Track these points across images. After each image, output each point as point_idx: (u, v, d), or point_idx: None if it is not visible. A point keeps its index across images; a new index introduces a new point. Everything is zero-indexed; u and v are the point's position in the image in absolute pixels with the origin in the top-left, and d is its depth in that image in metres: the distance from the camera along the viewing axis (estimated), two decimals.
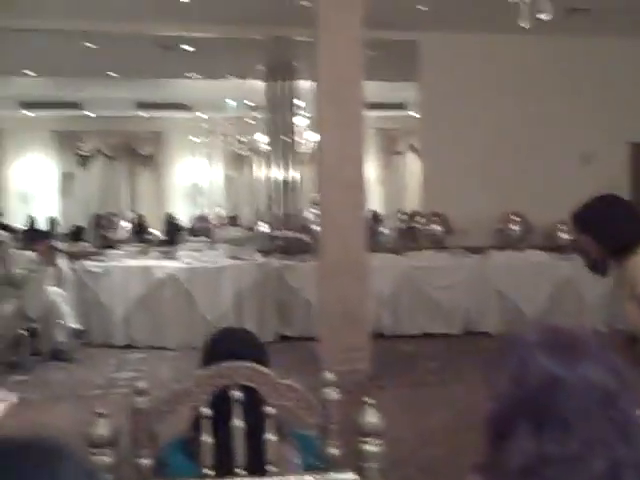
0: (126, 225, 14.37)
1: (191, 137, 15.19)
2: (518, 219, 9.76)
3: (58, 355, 8.06)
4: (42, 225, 13.75)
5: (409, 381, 7.12)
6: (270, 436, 2.10)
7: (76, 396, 6.85)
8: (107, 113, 14.85)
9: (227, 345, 2.36)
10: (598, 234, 2.96)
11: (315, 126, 10.10)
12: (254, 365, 2.14)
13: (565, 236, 9.51)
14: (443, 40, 9.31)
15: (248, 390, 2.11)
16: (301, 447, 2.22)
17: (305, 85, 10.10)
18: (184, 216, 15.00)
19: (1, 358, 7.45)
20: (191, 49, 9.75)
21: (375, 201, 13.86)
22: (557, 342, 1.10)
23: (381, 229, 11.11)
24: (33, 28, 8.58)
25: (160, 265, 8.90)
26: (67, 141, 16.07)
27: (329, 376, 2.20)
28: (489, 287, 9.05)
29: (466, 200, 9.40)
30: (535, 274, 9.04)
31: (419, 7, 8.21)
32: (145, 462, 2.11)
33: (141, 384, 2.15)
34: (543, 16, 2.84)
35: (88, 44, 9.42)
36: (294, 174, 10.84)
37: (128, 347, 8.63)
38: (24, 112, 14.69)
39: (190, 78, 11.70)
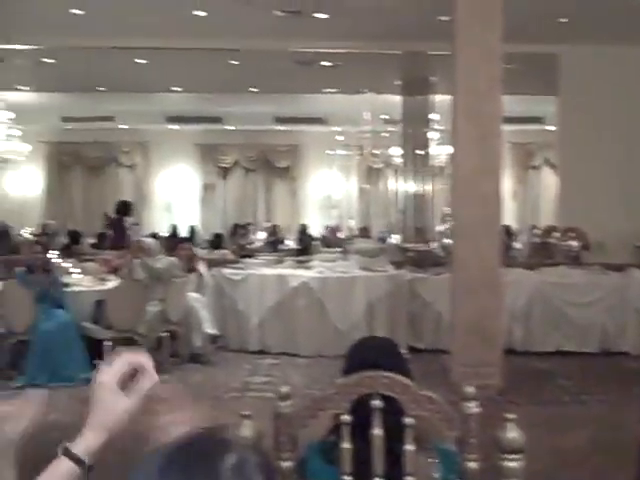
0: (261, 234, 14.80)
1: (326, 150, 15.47)
2: None
3: (195, 358, 8.37)
4: (183, 233, 14.37)
5: (542, 399, 6.95)
6: (409, 447, 2.13)
7: (213, 397, 7.12)
8: (246, 127, 15.39)
9: (368, 354, 2.43)
10: None
11: (449, 140, 10.11)
12: (395, 375, 2.18)
13: None
14: (585, 52, 9.06)
15: (388, 399, 2.14)
16: (442, 461, 2.23)
17: (440, 99, 10.08)
18: (317, 227, 15.26)
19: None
20: (328, 64, 9.95)
21: (508, 215, 13.61)
22: None
23: (514, 244, 10.90)
24: (181, 47, 9.07)
25: (294, 274, 9.09)
26: (208, 153, 16.79)
27: (469, 390, 2.20)
28: (629, 306, 8.68)
29: (604, 215, 9.07)
30: None
31: (560, 20, 8.03)
32: (286, 465, 2.18)
33: (284, 389, 2.22)
34: None
35: (232, 61, 9.84)
36: (426, 187, 10.83)
37: (261, 353, 8.84)
38: (169, 126, 15.50)
39: (326, 93, 11.94)
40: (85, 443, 1.39)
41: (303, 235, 14.31)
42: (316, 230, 15.03)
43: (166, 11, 8.06)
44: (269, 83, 11.62)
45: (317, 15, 7.99)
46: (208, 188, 16.94)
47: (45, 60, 10.35)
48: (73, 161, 16.97)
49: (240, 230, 14.57)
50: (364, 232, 14.05)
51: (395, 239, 10.84)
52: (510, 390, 6.82)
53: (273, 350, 8.86)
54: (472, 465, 2.15)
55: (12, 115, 12.83)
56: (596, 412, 6.54)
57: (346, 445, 2.12)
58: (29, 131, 14.20)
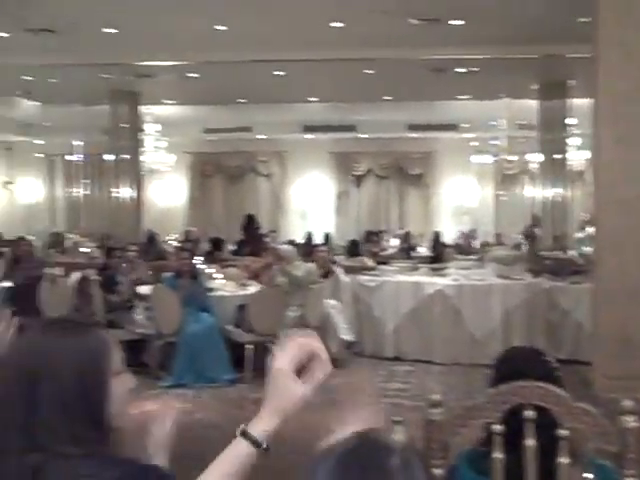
0: (394, 241, 14.83)
1: (460, 157, 15.35)
2: None
3: (332, 363, 8.49)
4: (318, 240, 14.62)
5: None
6: (563, 460, 2.12)
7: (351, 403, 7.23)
8: (380, 135, 15.53)
9: (517, 363, 2.44)
10: None
11: (588, 145, 9.80)
12: (549, 385, 2.19)
13: None
14: None
15: (541, 410, 2.14)
16: (598, 477, 2.19)
17: (578, 103, 9.81)
18: (450, 234, 15.13)
19: None
20: (463, 70, 9.91)
21: None
22: None
23: None
24: (318, 58, 9.32)
25: (430, 281, 9.09)
26: (342, 162, 17.05)
27: (628, 403, 2.17)
28: None
29: None
30: None
31: None
32: (438, 472, 2.20)
33: (436, 396, 2.26)
34: None
35: (367, 70, 9.99)
36: (564, 193, 10.54)
37: (396, 359, 8.88)
38: (305, 135, 15.88)
39: (460, 99, 11.88)
40: (262, 426, 1.49)
41: (436, 242, 14.22)
42: (449, 237, 14.90)
43: (304, 24, 8.29)
44: (403, 91, 11.70)
45: (453, 22, 7.98)
46: (342, 196, 17.19)
47: (190, 75, 10.88)
48: (214, 170, 17.69)
49: (373, 237, 14.66)
50: (499, 239, 13.82)
51: (530, 246, 10.61)
52: None
53: (408, 357, 8.88)
54: None
55: (159, 127, 13.57)
56: None
57: (498, 455, 2.14)
58: (174, 142, 14.96)
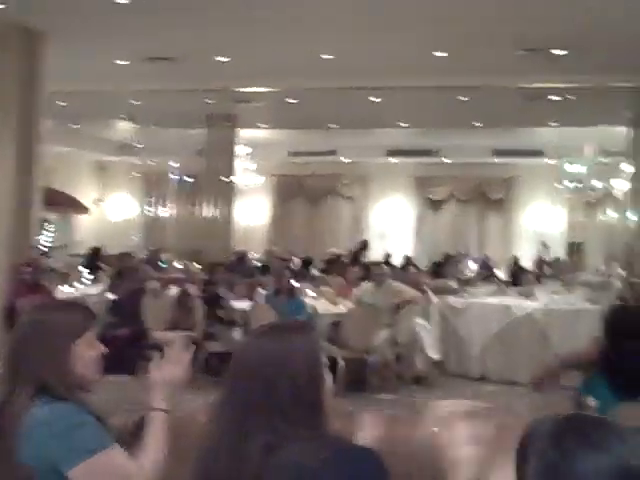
0: (473, 265, 14.92)
1: (543, 182, 15.38)
2: None
3: (418, 380, 8.71)
4: (396, 262, 14.84)
5: None
6: None
7: (439, 418, 7.42)
8: (463, 160, 15.69)
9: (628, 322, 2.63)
10: None
11: None
12: None
13: None
14: None
15: None
16: None
17: None
18: (528, 259, 15.15)
19: (373, 378, 8.26)
20: (557, 98, 10.05)
21: None
22: None
23: None
24: (416, 85, 9.62)
25: (518, 304, 9.23)
26: (423, 186, 17.27)
27: None
28: None
29: None
30: None
31: None
32: None
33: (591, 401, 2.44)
34: None
35: (461, 97, 10.23)
36: None
37: (481, 379, 9.05)
38: (389, 159, 16.14)
39: (550, 126, 11.97)
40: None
41: (514, 266, 14.27)
42: (528, 262, 14.92)
43: (409, 53, 8.59)
44: (493, 117, 11.86)
45: (557, 52, 8.15)
46: (422, 219, 17.40)
47: (289, 100, 11.31)
48: (297, 192, 18.13)
49: (452, 260, 14.77)
50: (574, 265, 13.72)
51: (620, 272, 10.62)
52: None
53: (494, 377, 9.02)
54: None
55: (249, 150, 14.06)
56: None
57: None
58: (261, 164, 15.43)
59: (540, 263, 14.33)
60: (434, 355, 8.90)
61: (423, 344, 8.81)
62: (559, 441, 1.33)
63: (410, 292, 8.81)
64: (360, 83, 9.76)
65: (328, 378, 1.82)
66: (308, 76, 9.73)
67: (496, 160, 15.68)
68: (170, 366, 2.22)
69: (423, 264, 13.61)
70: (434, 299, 9.33)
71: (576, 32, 7.54)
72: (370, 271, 9.13)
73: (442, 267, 12.46)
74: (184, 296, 8.84)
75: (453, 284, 10.57)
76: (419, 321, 8.89)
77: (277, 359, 1.77)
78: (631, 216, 10.58)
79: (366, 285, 8.98)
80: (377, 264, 9.66)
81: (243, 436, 1.71)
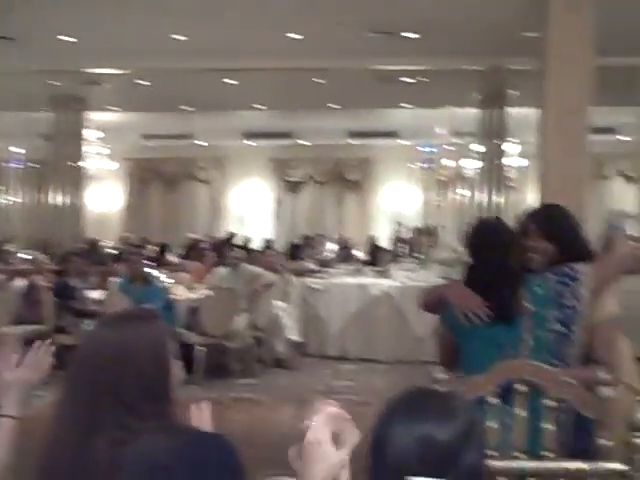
0: (331, 246, 15.07)
1: (398, 163, 15.74)
2: None
3: (279, 363, 8.72)
4: (256, 245, 14.76)
5: None
6: (549, 425, 2.41)
7: (300, 399, 7.44)
8: (319, 142, 15.79)
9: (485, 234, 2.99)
10: (566, 246, 2.96)
11: (526, 153, 10.29)
12: (540, 364, 2.49)
13: None
14: None
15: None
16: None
17: (517, 112, 10.28)
18: (386, 238, 15.46)
19: (233, 364, 8.18)
20: (410, 80, 10.27)
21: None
22: None
23: None
24: (272, 67, 9.53)
25: (375, 283, 9.39)
26: (281, 168, 17.25)
27: (601, 374, 2.47)
28: None
29: None
30: None
31: None
32: None
33: (441, 375, 2.48)
34: None
35: (317, 80, 10.25)
36: (500, 200, 10.97)
37: (341, 359, 9.14)
38: (245, 142, 16.00)
39: (403, 107, 12.22)
40: None
41: (372, 247, 14.54)
42: (385, 241, 15.23)
43: (262, 34, 8.48)
44: (348, 99, 11.97)
45: (409, 35, 8.27)
46: (280, 201, 17.39)
47: (140, 82, 10.92)
48: (152, 177, 17.62)
49: (311, 241, 14.86)
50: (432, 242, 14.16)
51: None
52: None
53: (352, 356, 9.15)
54: (605, 442, 2.38)
55: (101, 134, 13.51)
56: None
57: (492, 424, 2.39)
58: (113, 149, 14.89)
59: (396, 242, 14.66)
60: (294, 337, 8.93)
61: (283, 327, 8.82)
62: (384, 414, 1.33)
63: (268, 275, 8.76)
64: (213, 65, 9.55)
65: (177, 367, 1.79)
66: (159, 57, 9.43)
67: (352, 142, 15.87)
68: (25, 369, 2.03)
69: (283, 246, 13.61)
70: (293, 281, 9.33)
71: (426, 16, 7.71)
72: (224, 256, 9.02)
73: (301, 249, 12.48)
74: (31, 288, 8.42)
75: (312, 265, 10.63)
76: (279, 304, 8.90)
77: (121, 350, 1.70)
78: (480, 195, 10.97)
79: (221, 270, 8.87)
80: (231, 248, 9.57)
81: (89, 433, 1.65)
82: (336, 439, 1.40)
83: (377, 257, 12.56)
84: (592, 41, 5.60)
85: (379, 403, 2.27)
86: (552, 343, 2.81)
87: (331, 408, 1.42)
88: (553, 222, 3.05)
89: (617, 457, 2.37)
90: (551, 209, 3.22)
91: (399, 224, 15.71)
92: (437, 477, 1.24)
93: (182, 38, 8.63)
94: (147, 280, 8.18)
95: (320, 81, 10.34)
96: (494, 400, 2.42)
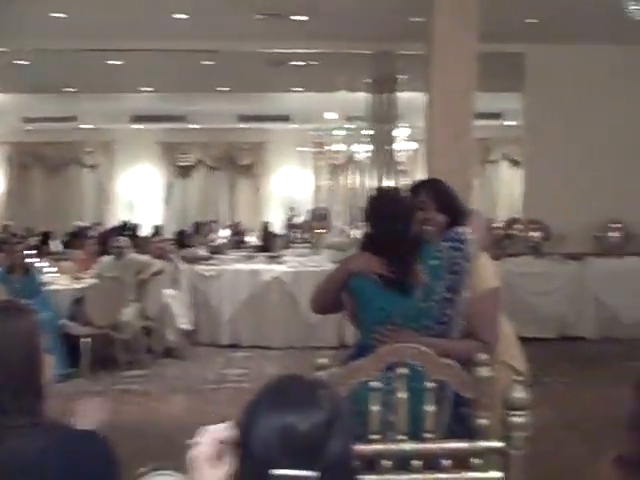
0: (224, 232, 14.93)
1: (290, 148, 15.71)
2: (618, 226, 9.78)
3: (169, 353, 8.56)
4: (146, 232, 14.44)
5: None
6: (429, 407, 2.41)
7: (191, 389, 7.33)
8: (211, 125, 15.54)
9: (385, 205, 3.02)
10: (455, 213, 3.13)
11: (414, 137, 10.44)
12: (420, 347, 2.48)
13: None
14: (550, 51, 9.46)
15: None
16: None
17: (407, 97, 10.39)
18: (280, 224, 15.43)
19: (122, 355, 7.96)
20: (300, 64, 10.20)
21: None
22: None
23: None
24: (158, 49, 9.26)
25: (267, 269, 9.32)
26: (172, 152, 16.90)
27: (483, 357, 2.49)
28: (587, 293, 9.13)
29: (566, 207, 9.49)
30: (634, 281, 9.08)
31: (529, 20, 8.42)
32: None
33: (322, 359, 2.44)
34: None
35: (205, 62, 10.05)
36: (391, 183, 11.09)
37: (234, 346, 9.05)
38: (133, 125, 15.55)
39: (295, 91, 12.17)
40: None
41: (265, 232, 14.48)
42: (279, 227, 15.20)
43: (147, 14, 8.21)
44: (239, 82, 11.81)
45: (297, 18, 8.20)
46: (171, 187, 17.05)
47: (19, 62, 10.40)
48: (34, 162, 16.87)
49: (203, 228, 14.66)
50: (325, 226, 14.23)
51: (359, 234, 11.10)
52: None
53: (245, 343, 9.07)
54: (483, 421, 2.42)
55: None
56: (557, 392, 6.94)
57: (374, 408, 2.38)
58: None
59: (289, 227, 14.66)
60: (185, 325, 8.78)
61: (174, 315, 8.65)
62: (249, 405, 1.30)
63: (156, 263, 8.55)
64: (96, 45, 9.18)
65: (48, 363, 1.73)
66: (38, 36, 8.99)
67: (244, 125, 15.71)
68: None
69: (173, 233, 13.32)
70: (182, 267, 9.15)
71: None
72: (109, 244, 8.74)
73: (191, 235, 12.28)
74: None
75: (202, 252, 10.46)
76: (168, 291, 8.71)
77: None
78: (370, 179, 11.05)
79: (106, 258, 8.59)
80: (117, 236, 9.29)
81: None
82: (218, 460, 1.38)
83: (270, 243, 12.52)
84: (476, 27, 5.68)
85: None
86: (435, 309, 2.86)
87: (219, 431, 1.39)
88: (443, 193, 3.19)
89: (495, 435, 2.41)
90: (438, 182, 3.36)
91: (292, 209, 15.71)
92: (303, 468, 1.20)
93: (61, 15, 8.24)
94: (27, 270, 7.84)
95: (209, 63, 10.13)
96: (376, 384, 2.40)
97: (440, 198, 3.14)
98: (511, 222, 10.88)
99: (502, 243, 10.57)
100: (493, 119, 13.68)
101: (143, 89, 12.41)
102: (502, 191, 16.55)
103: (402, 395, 2.43)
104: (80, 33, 8.81)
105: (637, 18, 2.91)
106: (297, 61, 10.19)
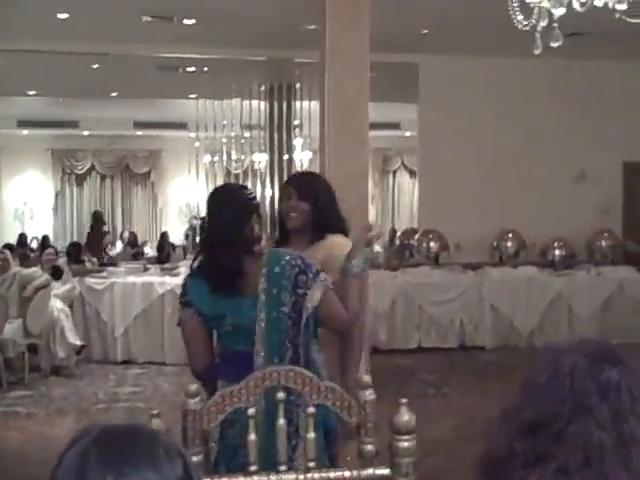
0: (119, 243, 14.51)
1: (187, 156, 15.39)
2: (512, 236, 9.97)
3: (58, 371, 8.17)
4: (34, 243, 13.90)
5: (408, 393, 7.26)
6: (310, 434, 2.25)
7: (80, 410, 6.99)
8: (104, 132, 15.07)
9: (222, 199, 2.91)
10: (321, 207, 3.23)
11: (312, 146, 10.32)
12: (299, 369, 2.33)
13: (558, 252, 9.81)
14: (443, 62, 9.57)
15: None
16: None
17: (302, 105, 10.33)
18: (178, 234, 15.09)
19: (4, 375, 7.54)
20: (192, 69, 9.98)
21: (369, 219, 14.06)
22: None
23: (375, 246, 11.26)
24: (38, 50, 8.82)
25: (161, 281, 9.04)
26: (62, 159, 16.30)
27: (366, 379, 2.36)
28: (484, 303, 9.25)
29: (462, 217, 9.60)
30: (528, 290, 9.27)
31: (423, 31, 8.46)
32: (196, 459, 2.21)
33: (193, 387, 2.25)
34: (554, 44, 2.99)
35: (94, 65, 9.66)
36: None
37: (127, 363, 8.74)
38: (21, 131, 14.91)
39: (190, 98, 11.92)
40: None
41: (163, 243, 14.14)
42: (177, 237, 14.86)
43: (29, 14, 7.79)
44: (131, 88, 11.46)
45: (186, 21, 7.99)
46: (61, 195, 16.44)
47: None
48: None
49: (93, 238, 14.19)
50: None
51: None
52: (376, 387, 7.08)
53: (139, 360, 8.77)
54: (369, 448, 2.29)
55: None
56: (457, 403, 6.96)
57: (252, 437, 2.21)
58: None
59: (190, 237, 14.36)
60: (75, 341, 8.38)
61: (63, 331, 8.26)
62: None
63: (41, 276, 8.14)
64: None
65: None
66: None
67: (139, 133, 15.33)
68: None
69: (64, 243, 12.82)
70: (73, 281, 8.77)
71: (203, 2, 7.47)
72: None
73: (82, 247, 11.81)
74: None
75: (93, 264, 10.08)
76: (58, 305, 8.30)
77: None
78: (268, 188, 10.92)
79: None
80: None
81: None
82: None
83: (168, 253, 12.21)
84: (367, 35, 5.63)
85: (168, 410, 2.02)
86: (285, 325, 2.78)
87: None
88: (307, 183, 3.37)
89: (382, 461, 2.28)
90: (306, 174, 3.75)
91: (194, 218, 15.38)
92: None
93: None
94: None
95: (97, 67, 9.76)
96: (252, 411, 2.23)
97: (303, 188, 3.27)
98: (410, 232, 10.95)
99: (401, 253, 10.64)
100: (393, 129, 13.81)
101: (29, 92, 11.84)
102: (402, 201, 16.75)
103: (280, 421, 2.27)
104: None
105: (523, 29, 2.89)
106: (188, 67, 9.97)
